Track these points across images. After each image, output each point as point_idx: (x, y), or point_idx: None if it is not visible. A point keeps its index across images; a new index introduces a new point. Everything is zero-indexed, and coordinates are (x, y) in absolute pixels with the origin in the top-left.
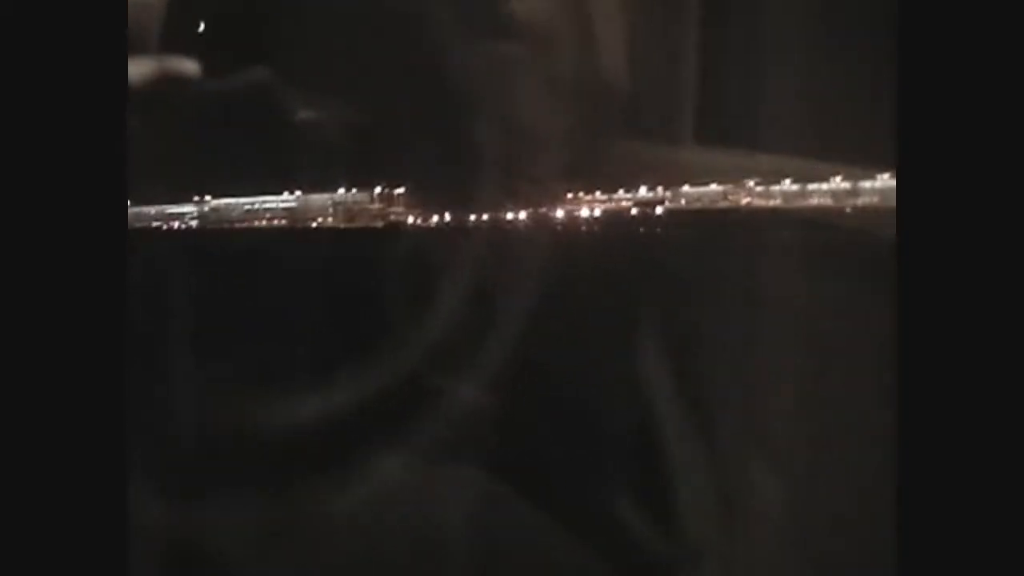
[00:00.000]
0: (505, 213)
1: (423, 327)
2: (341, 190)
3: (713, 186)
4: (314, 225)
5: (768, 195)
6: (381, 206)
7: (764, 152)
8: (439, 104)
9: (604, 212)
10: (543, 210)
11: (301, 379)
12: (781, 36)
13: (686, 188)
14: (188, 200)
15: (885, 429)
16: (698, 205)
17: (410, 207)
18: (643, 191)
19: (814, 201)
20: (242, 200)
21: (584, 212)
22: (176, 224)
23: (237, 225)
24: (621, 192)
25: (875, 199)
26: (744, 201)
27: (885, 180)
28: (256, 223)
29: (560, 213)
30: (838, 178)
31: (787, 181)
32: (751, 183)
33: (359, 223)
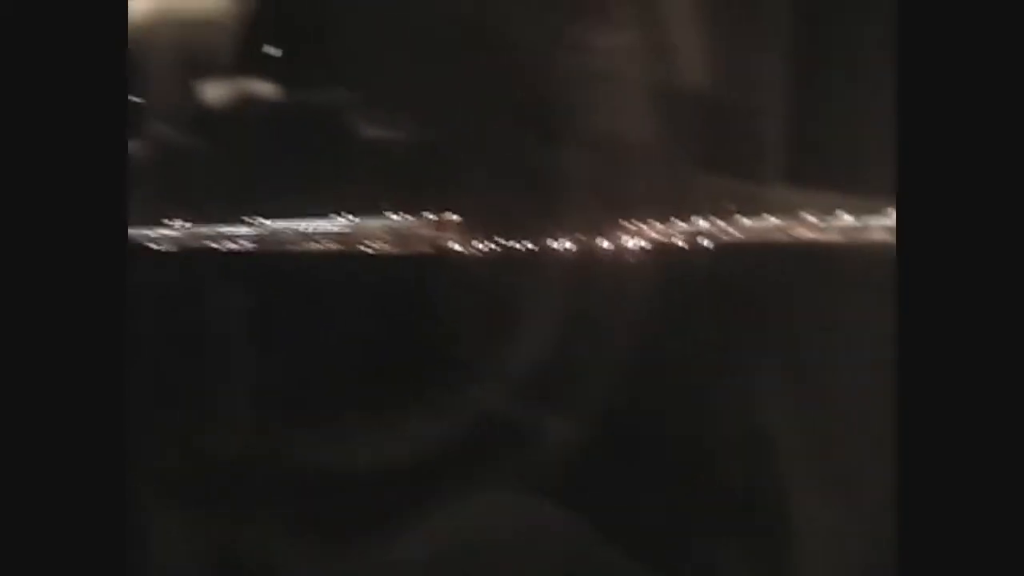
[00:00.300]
0: (563, 242)
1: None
2: (394, 215)
3: (770, 219)
4: (369, 251)
5: (826, 229)
6: (434, 232)
7: (823, 187)
8: (503, 132)
9: (657, 243)
10: (595, 239)
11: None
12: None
13: (742, 220)
14: (242, 221)
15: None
16: (754, 237)
17: (463, 233)
18: (700, 222)
19: (874, 236)
20: (297, 223)
21: (638, 242)
22: (231, 245)
23: (290, 248)
24: (676, 222)
25: None
26: (800, 234)
27: None
28: (310, 246)
29: (612, 243)
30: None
31: (846, 215)
32: (808, 216)
33: (411, 249)
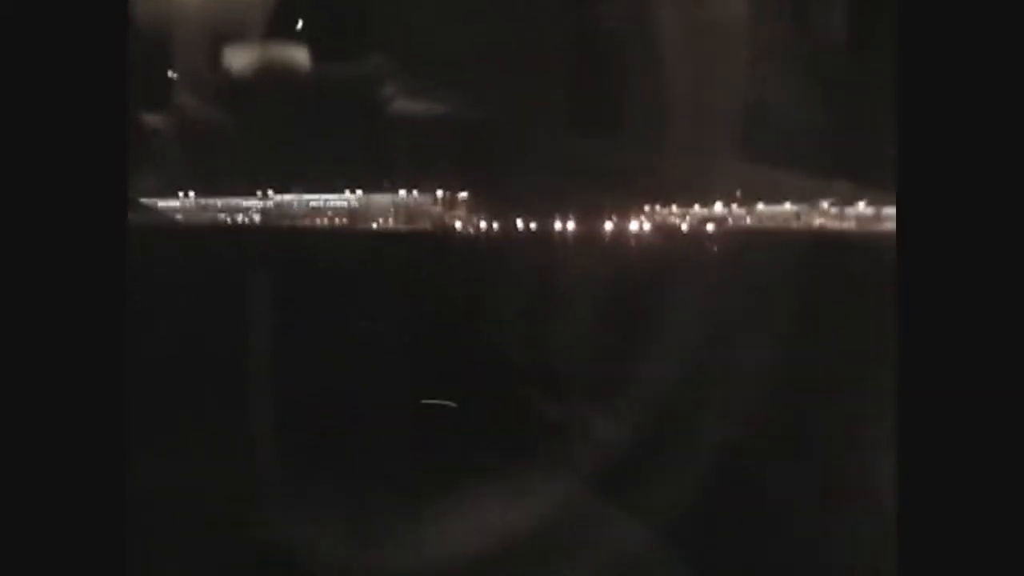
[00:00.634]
0: (577, 223)
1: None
2: (403, 192)
3: (787, 205)
4: (375, 226)
5: (842, 217)
6: (442, 209)
7: (840, 175)
8: (521, 114)
9: (677, 227)
10: (612, 222)
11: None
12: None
13: (760, 206)
14: (254, 194)
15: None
16: (771, 224)
17: (472, 211)
18: (718, 207)
19: (888, 225)
20: (306, 197)
21: (657, 226)
22: (241, 218)
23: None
24: (697, 208)
25: None
26: (817, 222)
27: None
28: (318, 221)
29: (625, 227)
30: None
31: (862, 204)
32: (825, 204)
33: (418, 225)
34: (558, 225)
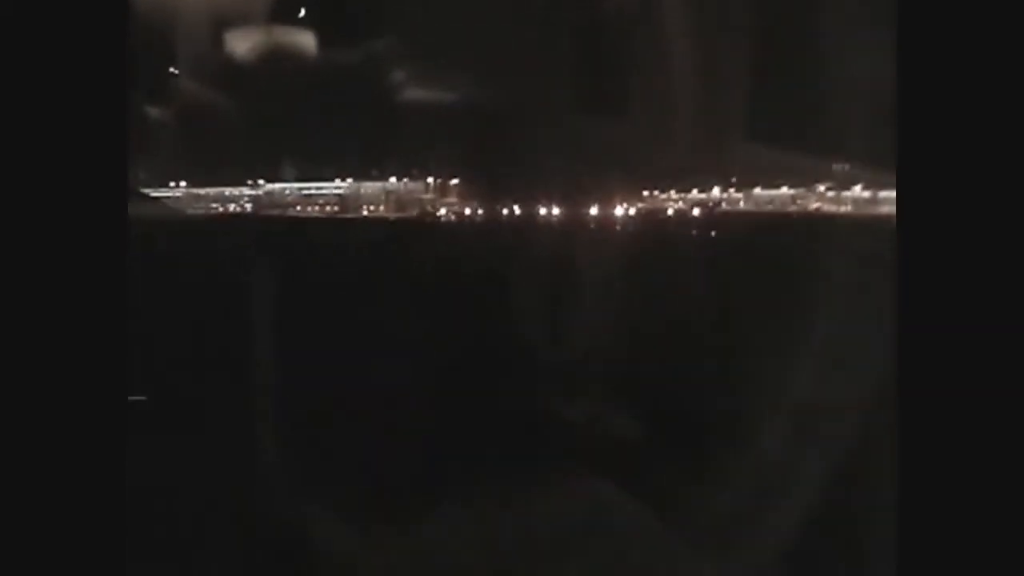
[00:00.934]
0: (573, 209)
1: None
2: (393, 179)
3: (784, 189)
4: (365, 213)
5: (839, 201)
6: (433, 196)
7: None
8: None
9: (674, 212)
10: (612, 209)
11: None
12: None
13: (757, 191)
14: (244, 183)
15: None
16: (769, 208)
17: (464, 198)
18: (716, 192)
19: (884, 209)
20: (296, 185)
21: (656, 210)
22: (232, 207)
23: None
24: (695, 193)
25: None
26: (814, 206)
27: None
28: (309, 208)
29: (627, 211)
30: None
31: (858, 187)
32: (822, 188)
33: (409, 213)
34: (552, 210)
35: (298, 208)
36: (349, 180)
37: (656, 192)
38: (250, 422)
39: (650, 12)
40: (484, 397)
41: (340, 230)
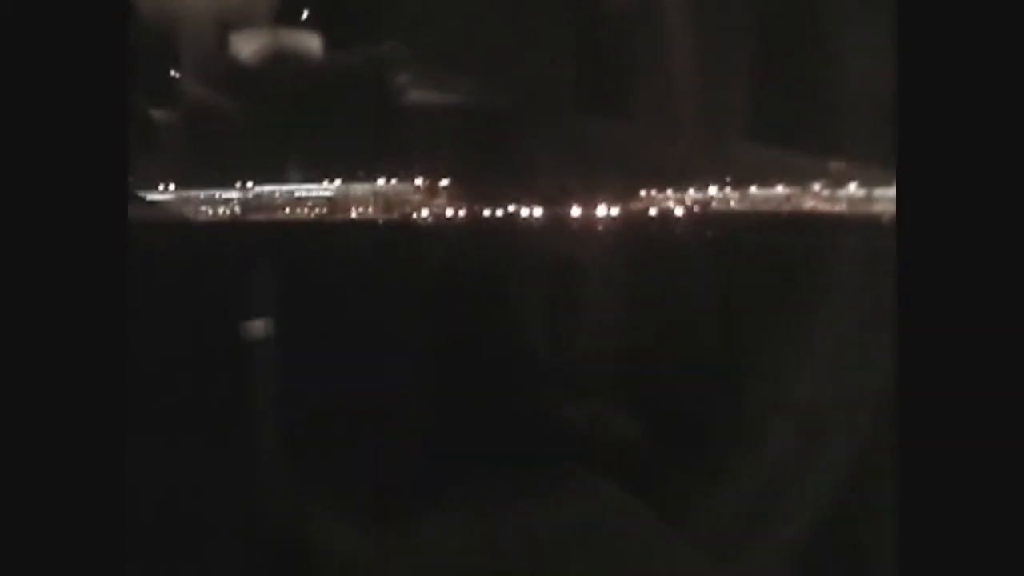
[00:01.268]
0: (567, 209)
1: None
2: (381, 180)
3: (779, 188)
4: (353, 215)
5: (833, 199)
6: (422, 197)
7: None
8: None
9: (670, 211)
10: (616, 208)
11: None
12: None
13: (752, 189)
14: (233, 186)
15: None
16: (765, 207)
17: (453, 200)
18: (712, 191)
19: (880, 207)
20: (285, 187)
21: (651, 211)
22: (221, 209)
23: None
24: (692, 192)
25: None
26: (808, 205)
27: None
28: (298, 211)
29: (620, 212)
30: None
31: (852, 185)
32: (816, 186)
33: (401, 215)
34: (547, 211)
35: (287, 211)
36: (337, 182)
37: (653, 192)
38: (247, 424)
39: (645, 12)
40: (482, 399)
41: (345, 233)
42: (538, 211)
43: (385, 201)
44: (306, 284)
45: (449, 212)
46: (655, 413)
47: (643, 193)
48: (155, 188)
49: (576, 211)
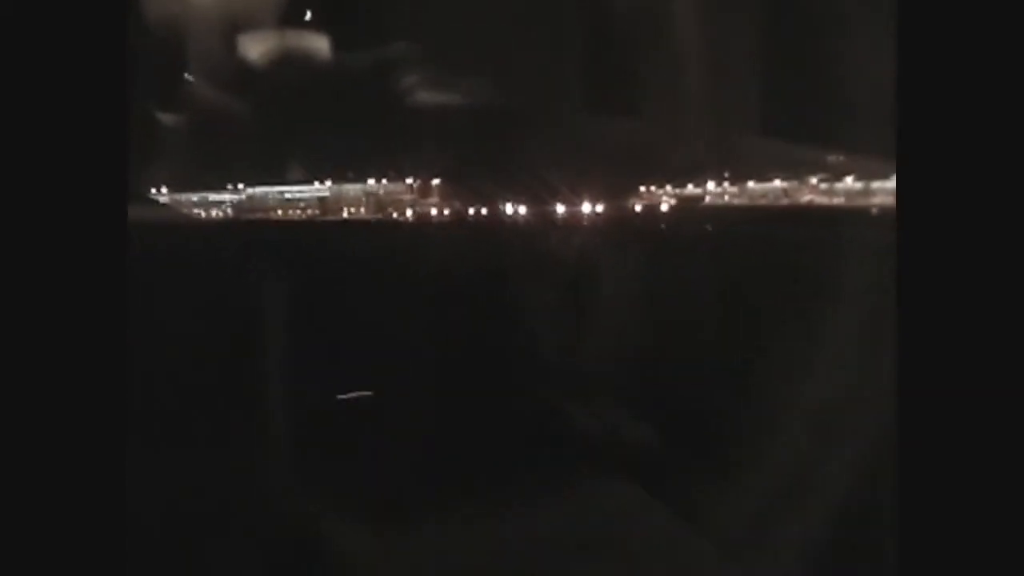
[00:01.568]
0: (562, 206)
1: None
2: (371, 180)
3: (776, 182)
4: (345, 215)
5: (831, 192)
6: (414, 197)
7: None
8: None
9: (667, 206)
10: (614, 203)
11: None
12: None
13: (750, 184)
14: (224, 188)
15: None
16: (762, 201)
17: (445, 199)
18: (710, 185)
19: (877, 200)
20: (277, 189)
21: (651, 205)
22: (215, 212)
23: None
24: (691, 188)
25: None
26: (805, 199)
27: None
28: (291, 212)
29: (620, 208)
30: None
31: (849, 179)
32: (814, 180)
33: (391, 214)
34: (544, 208)
35: (279, 212)
36: (328, 183)
37: (652, 188)
38: (245, 422)
39: (644, 12)
40: (484, 397)
41: (345, 233)
42: (535, 209)
43: (377, 201)
44: (307, 284)
45: (447, 211)
46: (659, 410)
47: (643, 190)
48: (149, 190)
49: (574, 208)
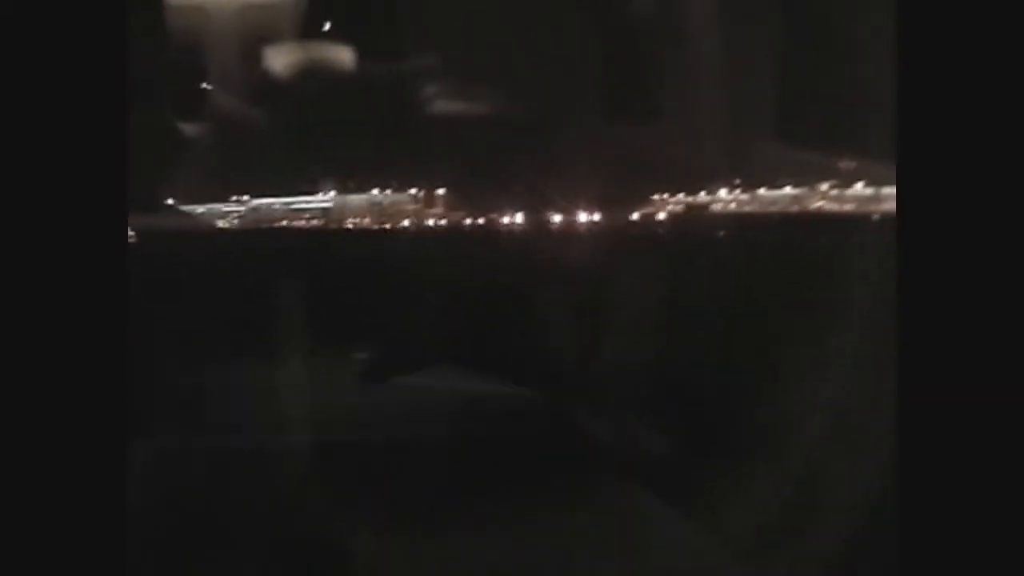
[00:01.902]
0: (572, 215)
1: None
2: (375, 190)
3: (787, 189)
4: (349, 225)
5: (841, 199)
6: (419, 207)
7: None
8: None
9: (673, 215)
10: (624, 211)
11: None
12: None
13: (761, 191)
14: (229, 199)
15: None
16: (773, 208)
17: (450, 208)
18: (723, 192)
19: (887, 206)
20: (282, 200)
21: (658, 214)
22: (221, 223)
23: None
24: (703, 195)
25: None
26: (815, 205)
27: None
28: (295, 223)
29: (633, 216)
30: None
31: (860, 185)
32: (824, 186)
33: (396, 223)
34: (552, 218)
35: (285, 223)
36: (332, 193)
37: (664, 196)
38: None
39: (645, 15)
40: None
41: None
42: (542, 218)
43: (380, 212)
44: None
45: (454, 220)
46: (672, 417)
47: (655, 197)
48: (151, 201)
49: (581, 217)
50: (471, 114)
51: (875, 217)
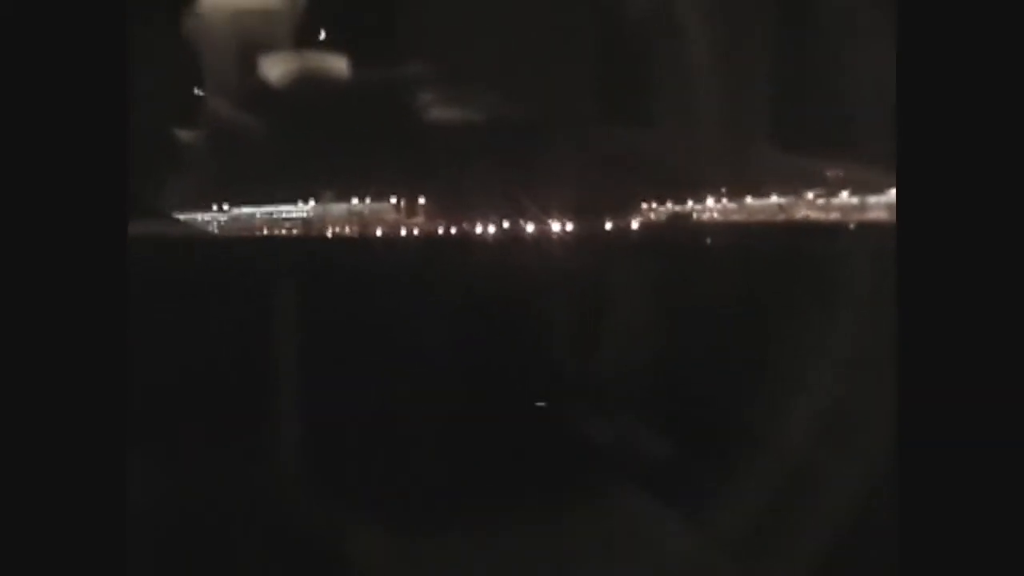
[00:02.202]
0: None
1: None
2: (355, 199)
3: (773, 198)
4: (329, 234)
5: (827, 208)
6: (399, 216)
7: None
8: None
9: (661, 223)
10: (615, 218)
11: None
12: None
13: (748, 200)
14: (210, 208)
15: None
16: (761, 217)
17: (431, 217)
18: (710, 202)
19: (873, 215)
20: (263, 208)
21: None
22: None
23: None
24: (691, 203)
25: None
26: (802, 214)
27: None
28: (276, 231)
29: (626, 222)
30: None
31: (845, 193)
32: (810, 195)
33: (375, 232)
34: (536, 226)
35: (265, 231)
36: (312, 202)
37: (652, 204)
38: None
39: (634, 23)
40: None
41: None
42: (528, 225)
43: (361, 220)
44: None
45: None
46: (669, 421)
47: (644, 206)
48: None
49: (569, 224)
50: (457, 124)
51: (866, 222)
